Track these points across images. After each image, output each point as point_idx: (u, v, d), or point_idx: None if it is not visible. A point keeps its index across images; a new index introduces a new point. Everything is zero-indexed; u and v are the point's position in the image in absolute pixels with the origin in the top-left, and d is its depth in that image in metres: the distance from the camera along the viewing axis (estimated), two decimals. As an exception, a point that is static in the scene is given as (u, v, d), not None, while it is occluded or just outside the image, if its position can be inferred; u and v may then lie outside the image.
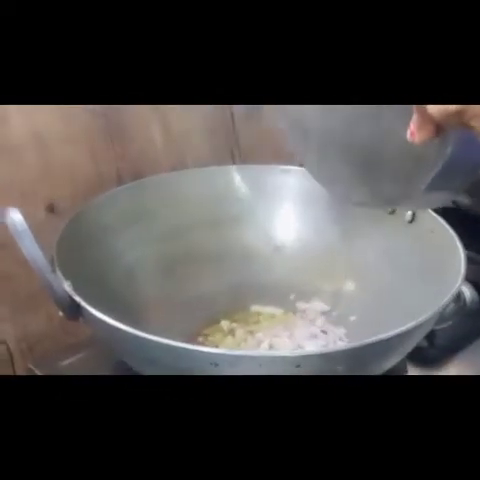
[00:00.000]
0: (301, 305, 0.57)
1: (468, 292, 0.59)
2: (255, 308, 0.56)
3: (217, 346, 0.52)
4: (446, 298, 0.44)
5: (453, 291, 0.45)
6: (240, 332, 0.53)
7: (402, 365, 0.51)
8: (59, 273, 0.44)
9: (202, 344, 0.52)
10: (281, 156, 0.71)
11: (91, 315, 0.42)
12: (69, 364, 0.53)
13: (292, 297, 0.58)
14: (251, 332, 0.54)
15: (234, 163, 0.67)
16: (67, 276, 0.44)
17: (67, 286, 0.43)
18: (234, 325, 0.54)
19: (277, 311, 0.56)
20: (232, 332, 0.54)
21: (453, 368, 0.54)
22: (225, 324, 0.54)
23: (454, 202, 0.66)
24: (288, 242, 0.60)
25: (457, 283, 0.45)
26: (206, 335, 0.54)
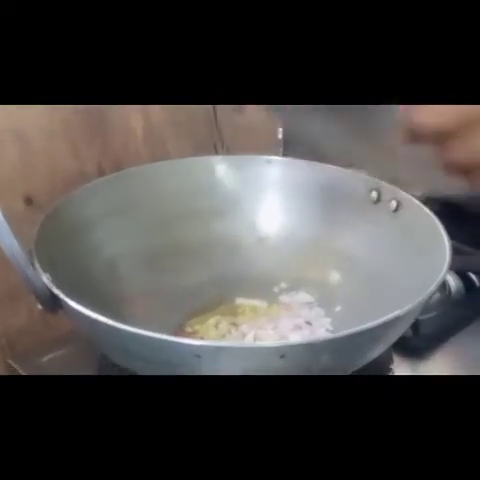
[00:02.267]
0: (286, 296, 0.56)
1: (453, 282, 0.59)
2: (239, 301, 0.56)
3: (201, 338, 0.51)
4: (431, 287, 0.44)
5: (438, 280, 0.44)
6: (224, 324, 0.53)
7: (388, 355, 0.51)
8: (37, 265, 0.43)
9: (186, 336, 0.51)
10: (264, 148, 0.71)
11: (70, 308, 0.41)
12: (50, 359, 0.52)
13: (276, 288, 0.57)
14: (235, 324, 0.53)
15: (217, 153, 0.66)
16: (46, 269, 0.43)
17: (45, 278, 0.43)
18: (218, 317, 0.54)
19: (261, 304, 0.56)
20: (216, 324, 0.53)
21: (439, 358, 0.54)
22: (209, 317, 0.54)
23: (440, 192, 0.66)
24: (272, 233, 0.59)
25: (442, 272, 0.45)
26: (190, 328, 0.53)
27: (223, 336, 0.52)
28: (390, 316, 0.41)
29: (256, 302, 0.56)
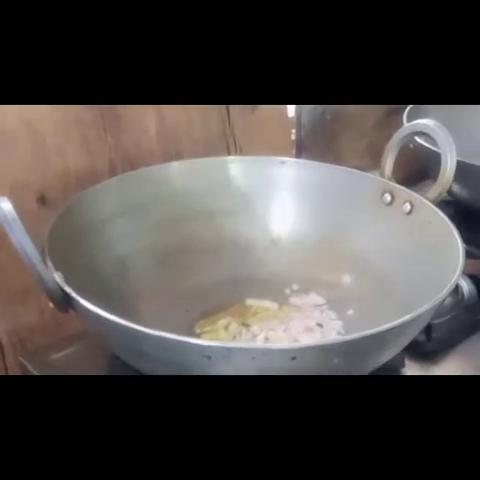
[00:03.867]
0: (297, 298, 0.56)
1: (466, 286, 0.59)
2: (250, 302, 0.56)
3: (211, 339, 0.51)
4: (444, 291, 0.43)
5: (451, 284, 0.44)
6: (234, 326, 0.53)
7: (400, 359, 0.50)
8: (50, 264, 0.43)
9: (196, 337, 0.51)
10: (278, 148, 0.70)
11: (81, 306, 0.41)
12: (61, 357, 0.52)
13: (288, 290, 0.57)
14: (246, 325, 0.53)
15: (229, 154, 0.66)
16: (58, 267, 0.43)
17: (57, 277, 0.43)
18: (228, 319, 0.53)
19: (272, 305, 0.55)
20: (226, 326, 0.53)
21: (451, 362, 0.54)
22: (219, 317, 0.54)
23: (452, 195, 0.65)
24: (284, 234, 0.59)
25: (454, 276, 0.45)
26: (199, 329, 0.53)
27: (233, 337, 0.51)
28: (402, 320, 0.41)
29: (267, 303, 0.55)
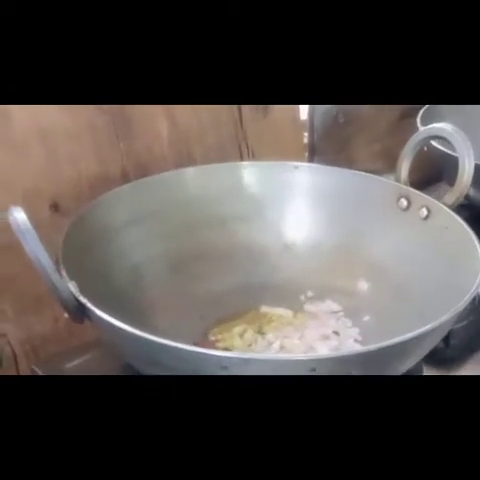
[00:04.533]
0: (312, 305, 0.55)
1: (483, 291, 0.58)
2: (265, 309, 0.55)
3: (226, 348, 0.51)
4: (465, 299, 0.42)
5: (472, 292, 0.43)
6: (249, 333, 0.52)
7: (418, 366, 0.49)
8: (64, 273, 0.43)
9: (212, 345, 0.51)
10: (290, 152, 0.70)
11: (96, 316, 0.41)
12: (74, 366, 0.52)
13: (303, 297, 0.56)
14: (261, 333, 0.52)
15: (242, 159, 0.65)
16: (72, 276, 0.43)
17: (72, 286, 0.42)
18: (244, 326, 0.53)
19: (287, 312, 0.55)
20: (241, 333, 0.52)
21: (469, 368, 0.53)
22: (234, 325, 0.53)
23: (467, 198, 0.64)
24: (299, 240, 0.58)
25: (476, 284, 0.44)
26: (214, 336, 0.52)
27: (249, 345, 0.51)
28: (422, 330, 0.40)
29: (282, 310, 0.55)
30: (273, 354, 0.48)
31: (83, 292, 0.42)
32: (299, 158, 0.68)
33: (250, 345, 0.51)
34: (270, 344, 0.51)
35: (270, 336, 0.52)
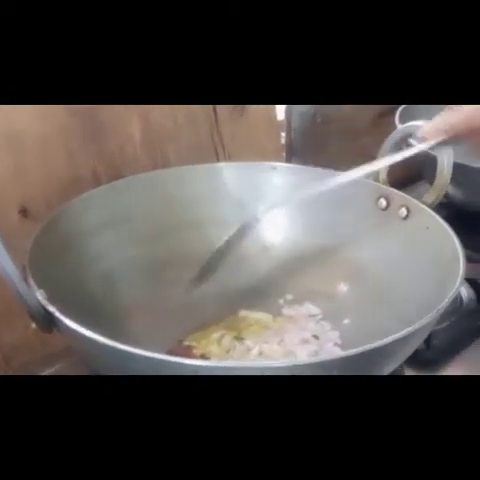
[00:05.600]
0: (291, 309, 0.54)
1: (465, 291, 0.57)
2: (243, 313, 0.54)
3: (203, 354, 0.49)
4: (445, 300, 0.42)
5: (452, 293, 0.42)
6: (227, 339, 0.51)
7: (399, 368, 0.48)
8: (31, 282, 0.41)
9: (188, 352, 0.49)
10: (268, 153, 0.69)
11: (65, 326, 0.39)
12: (46, 375, 0.51)
13: (282, 300, 0.55)
14: (239, 339, 0.51)
15: (218, 160, 0.64)
16: (40, 284, 0.41)
17: (39, 295, 0.40)
18: (222, 332, 0.51)
19: (266, 316, 0.53)
20: (219, 339, 0.51)
21: (451, 370, 0.53)
22: (212, 331, 0.52)
23: (448, 197, 0.64)
24: (277, 242, 0.57)
25: (456, 285, 0.43)
26: (191, 342, 0.51)
27: (227, 352, 0.50)
28: (404, 332, 0.39)
29: (260, 315, 0.54)
30: (249, 361, 0.47)
31: (52, 300, 0.40)
32: (277, 159, 0.67)
33: (228, 351, 0.50)
34: (249, 350, 0.50)
35: (248, 342, 0.50)
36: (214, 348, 0.50)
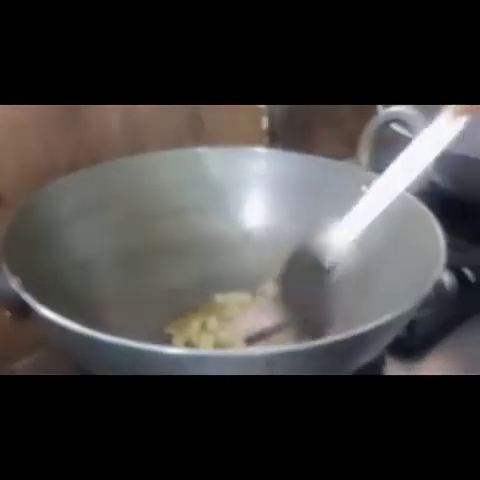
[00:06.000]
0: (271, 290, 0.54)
1: (447, 278, 0.57)
2: (220, 298, 0.53)
3: (186, 342, 0.49)
4: (426, 288, 0.42)
5: (433, 281, 0.42)
6: (210, 323, 0.50)
7: (380, 356, 0.49)
8: (5, 269, 0.40)
9: (168, 340, 0.49)
10: (249, 138, 0.68)
11: (39, 314, 0.38)
12: (23, 365, 0.50)
13: (263, 286, 0.54)
14: (226, 320, 0.50)
15: (198, 146, 0.63)
16: (15, 272, 0.40)
17: (14, 283, 0.40)
18: (201, 318, 0.51)
19: (244, 297, 0.53)
20: (204, 325, 0.50)
21: (433, 358, 0.53)
22: (191, 317, 0.51)
23: (432, 183, 0.63)
24: (258, 229, 0.57)
25: (437, 272, 0.43)
26: (172, 330, 0.50)
27: (215, 335, 0.49)
28: (383, 319, 0.39)
29: (240, 296, 0.53)
30: (227, 350, 0.46)
31: (27, 288, 0.40)
32: (259, 144, 0.67)
33: (218, 334, 0.49)
34: (232, 332, 0.49)
35: (230, 323, 0.50)
36: (194, 335, 0.49)
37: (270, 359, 0.36)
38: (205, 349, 0.47)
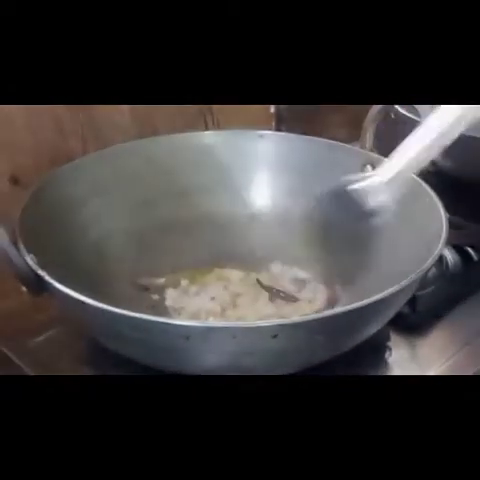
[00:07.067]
0: (280, 271, 0.55)
1: (450, 256, 0.58)
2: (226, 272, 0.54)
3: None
4: (428, 262, 0.43)
5: (434, 255, 0.43)
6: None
7: (385, 332, 0.50)
8: (21, 246, 0.42)
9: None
10: (257, 121, 0.69)
11: (56, 289, 0.40)
12: (40, 341, 0.51)
13: (270, 266, 0.56)
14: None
15: (207, 128, 0.64)
16: (30, 249, 0.42)
17: (29, 259, 0.41)
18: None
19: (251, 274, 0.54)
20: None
21: (436, 334, 0.53)
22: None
23: (434, 164, 0.64)
24: (265, 210, 0.58)
25: (438, 247, 0.44)
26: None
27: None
28: (386, 292, 0.40)
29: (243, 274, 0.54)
30: (234, 322, 0.47)
31: (42, 266, 0.41)
32: (266, 127, 0.68)
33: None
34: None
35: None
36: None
37: (275, 331, 0.38)
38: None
